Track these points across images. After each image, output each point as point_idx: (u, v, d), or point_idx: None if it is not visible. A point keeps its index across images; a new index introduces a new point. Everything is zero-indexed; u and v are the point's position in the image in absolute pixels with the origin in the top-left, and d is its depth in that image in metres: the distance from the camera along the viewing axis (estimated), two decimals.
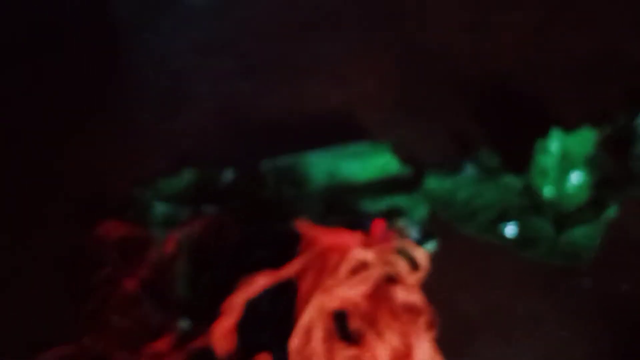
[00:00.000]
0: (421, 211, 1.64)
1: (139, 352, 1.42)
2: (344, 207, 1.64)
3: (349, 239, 1.44)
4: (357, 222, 1.51)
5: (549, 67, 1.94)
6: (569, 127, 1.67)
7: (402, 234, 1.56)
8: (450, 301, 1.48)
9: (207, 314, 1.41)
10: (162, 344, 1.43)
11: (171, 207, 1.67)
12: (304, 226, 1.45)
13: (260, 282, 1.39)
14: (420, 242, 1.56)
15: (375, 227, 1.51)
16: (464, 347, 1.42)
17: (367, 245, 1.47)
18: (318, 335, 1.35)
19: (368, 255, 1.44)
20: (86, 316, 1.49)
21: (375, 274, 1.43)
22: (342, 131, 1.79)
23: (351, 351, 1.36)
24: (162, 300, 1.49)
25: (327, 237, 1.43)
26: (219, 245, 1.54)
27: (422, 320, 1.41)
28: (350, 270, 1.42)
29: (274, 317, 1.39)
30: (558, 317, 1.46)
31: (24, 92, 2.02)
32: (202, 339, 1.41)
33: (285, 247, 1.44)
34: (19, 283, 1.58)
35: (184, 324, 1.46)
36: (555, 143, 1.64)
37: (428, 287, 1.47)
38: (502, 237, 1.60)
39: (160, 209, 1.67)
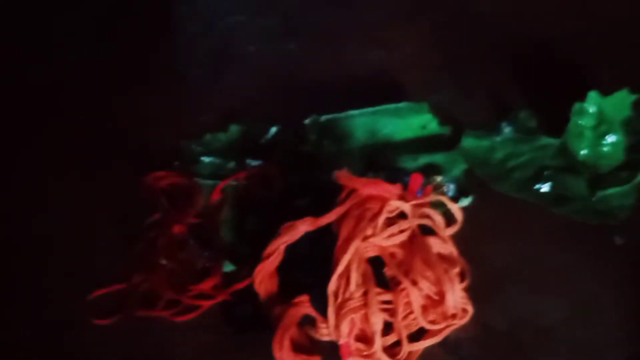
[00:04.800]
0: (458, 169, 1.66)
1: (185, 291, 1.48)
2: (383, 163, 1.66)
3: (387, 190, 1.44)
4: (396, 177, 1.51)
5: (589, 30, 1.94)
6: (607, 91, 1.67)
7: (439, 190, 1.59)
8: (483, 253, 1.49)
9: (250, 258, 1.44)
10: (206, 285, 1.49)
11: (217, 160, 1.72)
12: (344, 176, 1.45)
13: (301, 228, 1.40)
14: (456, 198, 1.59)
15: (413, 181, 1.51)
16: (493, 296, 1.44)
17: (404, 197, 1.47)
18: (355, 279, 1.36)
19: (405, 206, 1.44)
20: (136, 258, 1.54)
21: (411, 224, 1.44)
22: (381, 92, 1.81)
23: (386, 296, 1.38)
24: (207, 244, 1.55)
25: (367, 188, 1.43)
26: (263, 193, 1.59)
27: (455, 270, 1.43)
28: (387, 220, 1.43)
29: (313, 261, 1.41)
30: (587, 270, 1.47)
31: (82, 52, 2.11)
32: (244, 281, 1.47)
33: (326, 196, 1.45)
34: (75, 228, 1.65)
35: (228, 267, 1.52)
36: (592, 106, 1.64)
37: (462, 240, 1.49)
38: (537, 195, 1.61)
39: (207, 161, 1.72)
